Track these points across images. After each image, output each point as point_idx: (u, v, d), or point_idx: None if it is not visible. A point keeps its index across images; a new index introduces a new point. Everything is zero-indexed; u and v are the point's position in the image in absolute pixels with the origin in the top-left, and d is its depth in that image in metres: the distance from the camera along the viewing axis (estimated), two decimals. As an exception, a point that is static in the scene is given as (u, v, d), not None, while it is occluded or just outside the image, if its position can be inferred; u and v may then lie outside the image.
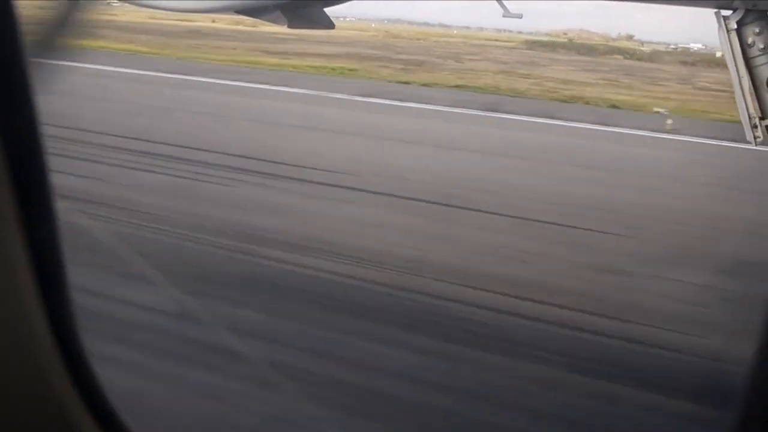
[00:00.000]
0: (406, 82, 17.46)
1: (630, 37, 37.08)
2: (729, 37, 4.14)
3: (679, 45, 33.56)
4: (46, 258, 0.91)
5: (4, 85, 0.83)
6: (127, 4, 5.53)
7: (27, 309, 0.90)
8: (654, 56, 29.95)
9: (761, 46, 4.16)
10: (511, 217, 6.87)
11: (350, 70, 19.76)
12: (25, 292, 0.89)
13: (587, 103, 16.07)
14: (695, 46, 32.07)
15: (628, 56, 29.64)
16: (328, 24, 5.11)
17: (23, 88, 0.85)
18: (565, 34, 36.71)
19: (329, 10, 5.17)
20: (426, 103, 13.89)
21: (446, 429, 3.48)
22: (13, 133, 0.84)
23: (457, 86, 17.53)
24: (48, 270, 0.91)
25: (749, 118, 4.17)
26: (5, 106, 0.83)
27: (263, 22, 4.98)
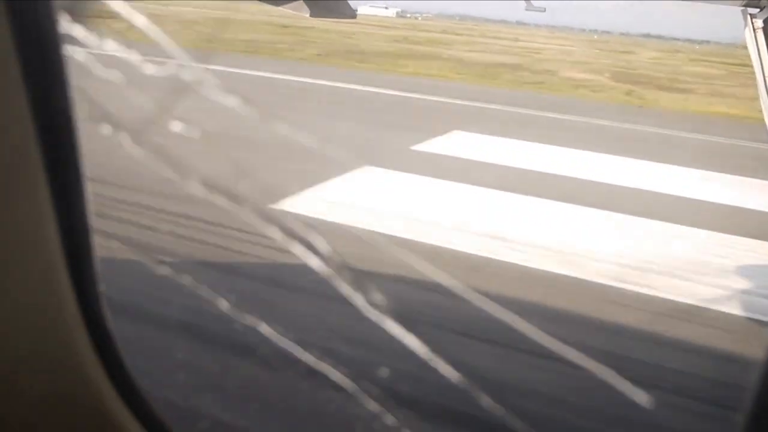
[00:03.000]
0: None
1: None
2: (755, 35, 4.09)
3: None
4: (76, 242, 0.95)
5: (40, 73, 0.86)
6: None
7: (57, 288, 0.94)
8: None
9: (788, 45, 4.10)
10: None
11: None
12: (57, 271, 0.93)
13: None
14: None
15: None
16: (351, 14, 5.12)
17: (59, 77, 0.89)
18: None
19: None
20: None
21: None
22: (49, 120, 0.88)
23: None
24: (77, 251, 0.95)
25: (773, 118, 4.13)
26: (42, 95, 0.87)
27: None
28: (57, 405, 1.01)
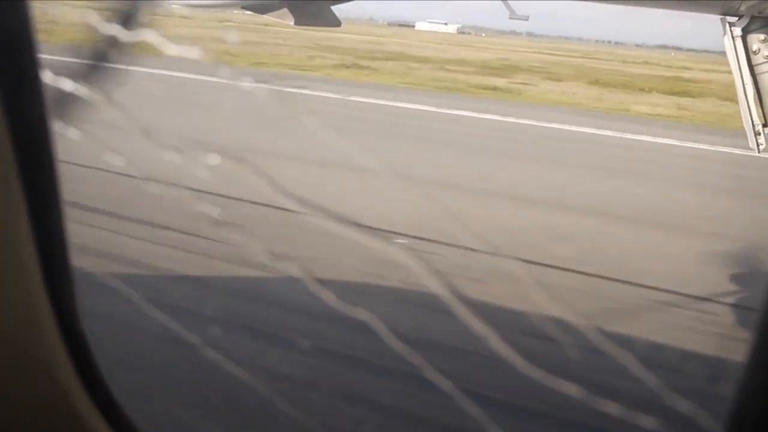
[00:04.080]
0: None
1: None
2: (734, 43, 4.15)
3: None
4: (52, 248, 0.93)
5: (15, 80, 0.85)
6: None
7: (32, 294, 0.92)
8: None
9: (766, 53, 4.17)
10: None
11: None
12: (31, 277, 0.92)
13: None
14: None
15: None
16: (335, 22, 5.13)
17: (34, 84, 0.88)
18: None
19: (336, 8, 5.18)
20: None
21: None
22: (23, 127, 0.87)
23: None
24: (53, 258, 0.94)
25: (752, 125, 4.19)
26: (16, 101, 0.86)
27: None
28: (30, 411, 0.99)
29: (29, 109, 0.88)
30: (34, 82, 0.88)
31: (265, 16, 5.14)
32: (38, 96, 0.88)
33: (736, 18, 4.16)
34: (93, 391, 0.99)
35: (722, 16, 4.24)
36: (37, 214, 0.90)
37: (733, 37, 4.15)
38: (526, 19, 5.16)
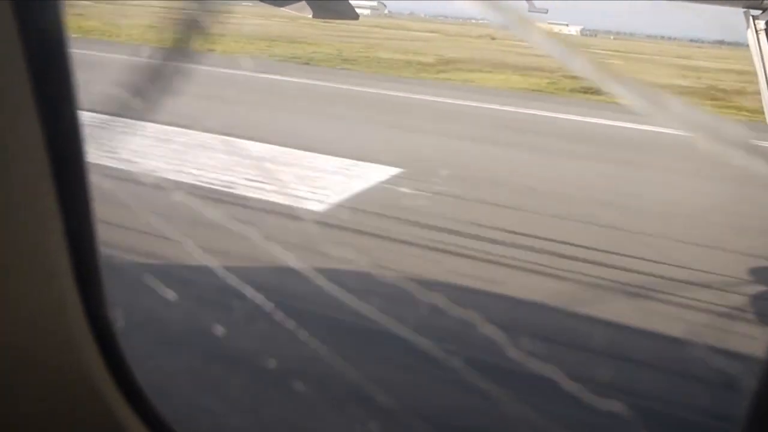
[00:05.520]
0: None
1: None
2: (757, 37, 4.10)
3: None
4: (83, 252, 0.95)
5: (47, 80, 0.87)
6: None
7: (64, 295, 0.94)
8: None
9: (790, 47, 4.11)
10: None
11: None
12: (63, 279, 0.94)
13: None
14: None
15: None
16: (353, 15, 5.13)
17: (66, 85, 0.89)
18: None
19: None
20: None
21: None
22: (56, 130, 0.88)
23: None
24: (84, 260, 0.96)
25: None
26: (49, 103, 0.87)
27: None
28: (61, 408, 1.01)
29: (61, 109, 0.89)
30: (67, 82, 0.89)
31: (282, 9, 5.15)
32: (70, 95, 0.90)
33: (760, 11, 4.10)
34: (119, 378, 1.01)
35: (746, 9, 4.18)
36: (67, 211, 0.92)
37: (756, 31, 4.10)
38: (546, 12, 5.12)
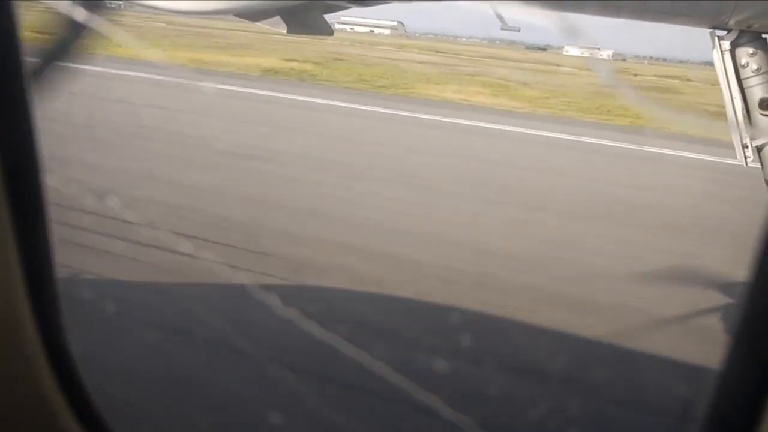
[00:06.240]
0: None
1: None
2: (722, 57, 4.19)
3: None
4: (38, 263, 0.92)
5: (1, 92, 0.85)
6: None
7: (17, 310, 0.92)
8: None
9: (754, 67, 4.21)
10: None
11: None
12: (16, 293, 0.91)
13: None
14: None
15: None
16: (328, 31, 5.14)
17: (21, 95, 0.87)
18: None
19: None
20: None
21: None
22: (10, 140, 0.86)
23: None
24: (39, 273, 0.93)
25: (740, 138, 4.23)
26: (2, 113, 0.85)
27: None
28: (10, 413, 0.98)
29: (15, 121, 0.87)
30: (20, 89, 0.87)
31: (258, 24, 5.14)
32: (24, 104, 0.88)
33: (725, 32, 4.20)
34: (70, 394, 0.98)
35: (711, 30, 4.28)
36: (22, 227, 0.89)
37: (721, 51, 4.19)
38: (518, 30, 5.18)
